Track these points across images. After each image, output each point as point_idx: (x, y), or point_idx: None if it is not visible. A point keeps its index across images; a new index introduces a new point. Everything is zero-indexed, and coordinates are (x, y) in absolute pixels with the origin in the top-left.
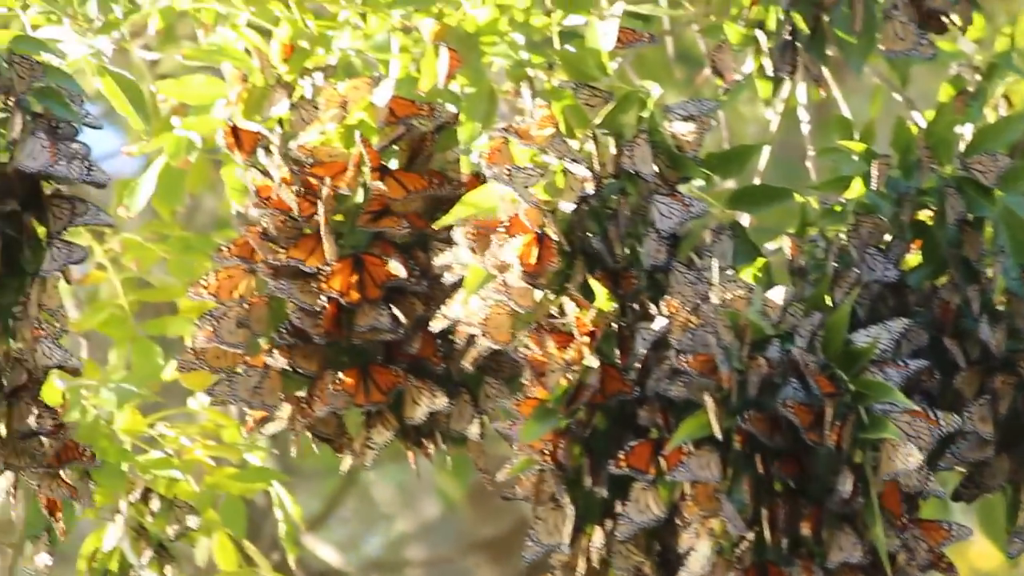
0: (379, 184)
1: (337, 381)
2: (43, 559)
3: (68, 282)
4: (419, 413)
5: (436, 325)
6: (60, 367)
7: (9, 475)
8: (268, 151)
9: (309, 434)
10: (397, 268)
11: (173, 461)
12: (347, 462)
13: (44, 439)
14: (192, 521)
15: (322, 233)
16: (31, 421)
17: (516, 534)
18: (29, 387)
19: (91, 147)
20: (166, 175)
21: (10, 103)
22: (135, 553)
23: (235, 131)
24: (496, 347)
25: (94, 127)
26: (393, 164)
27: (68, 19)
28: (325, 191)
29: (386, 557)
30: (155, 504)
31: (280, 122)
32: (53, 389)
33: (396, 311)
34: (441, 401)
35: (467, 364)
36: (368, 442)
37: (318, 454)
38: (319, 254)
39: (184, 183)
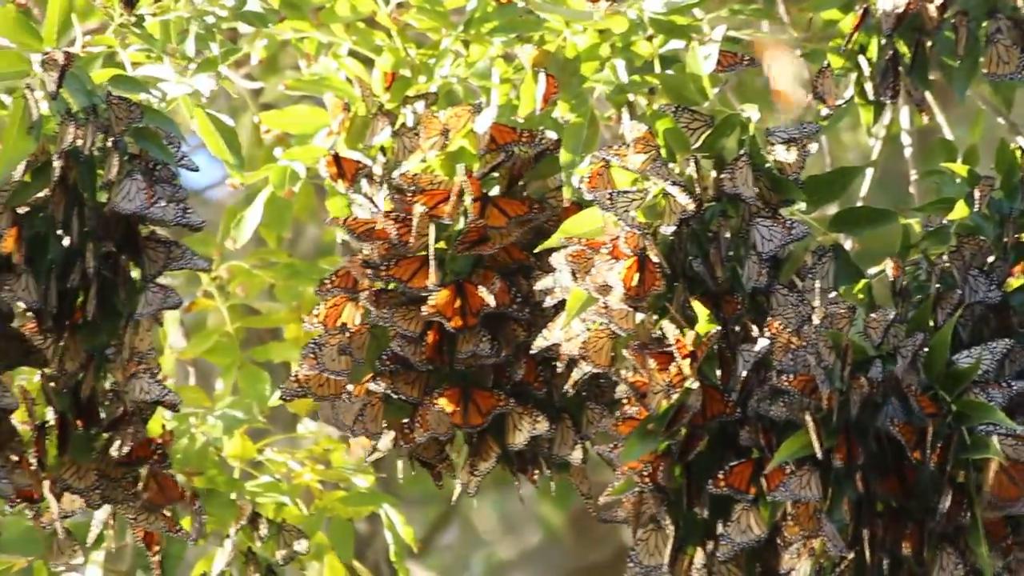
0: (478, 216)
1: (439, 403)
2: None
3: (160, 325)
4: (521, 439)
5: (537, 349)
6: (158, 403)
7: (107, 508)
8: (370, 180)
9: (411, 460)
10: (490, 297)
11: (281, 486)
12: (456, 489)
13: (142, 472)
14: (301, 545)
15: (429, 258)
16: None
17: (617, 561)
18: (128, 420)
19: (186, 190)
20: (272, 204)
21: (108, 144)
22: None
23: (337, 160)
24: (597, 371)
25: (191, 169)
26: (494, 191)
27: (167, 57)
28: (426, 218)
29: None
30: (264, 528)
31: (382, 150)
32: (156, 420)
33: (497, 337)
34: (543, 426)
35: (568, 388)
36: (472, 469)
37: (421, 481)
38: (421, 277)
39: (290, 211)
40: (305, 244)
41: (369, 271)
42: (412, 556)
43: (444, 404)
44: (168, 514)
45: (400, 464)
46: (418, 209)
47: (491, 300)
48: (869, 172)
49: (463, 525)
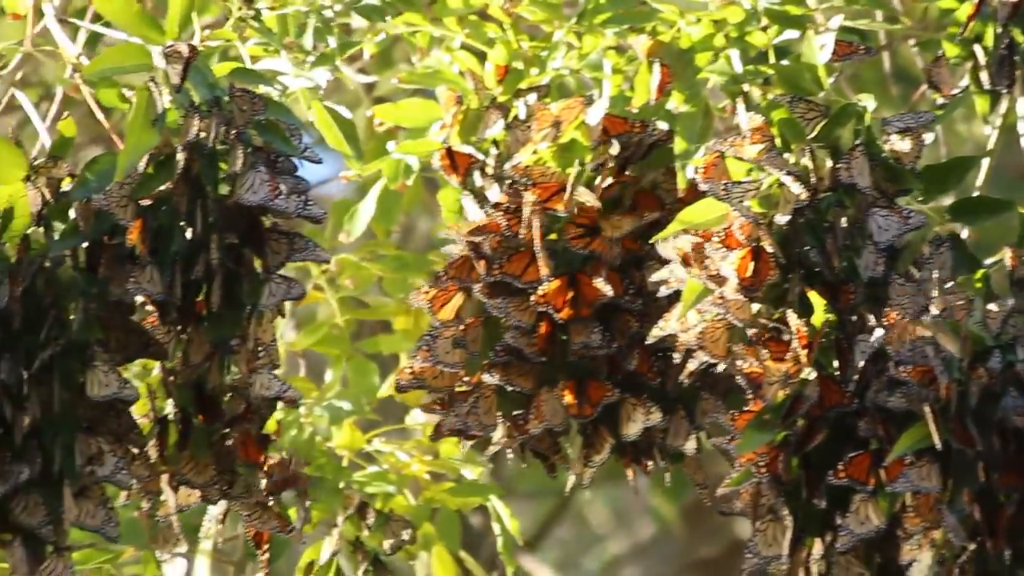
0: (591, 200)
1: (553, 394)
2: None
3: (282, 316)
4: (634, 429)
5: (653, 339)
6: (278, 398)
7: (222, 504)
8: (482, 173)
9: (525, 452)
10: (605, 287)
11: (389, 476)
12: (569, 481)
13: (262, 470)
14: (407, 535)
15: (537, 251)
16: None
17: (730, 554)
18: (249, 418)
19: (309, 182)
20: (384, 197)
21: (231, 136)
22: (351, 567)
23: (450, 154)
24: (713, 361)
25: (313, 161)
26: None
27: (285, 51)
28: (538, 210)
29: None
30: (371, 518)
31: (495, 143)
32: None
33: (610, 328)
34: (656, 417)
35: (684, 379)
36: (586, 461)
37: (532, 475)
38: (533, 270)
39: (399, 205)
40: (417, 239)
41: (483, 261)
42: (525, 550)
43: (557, 394)
44: (280, 513)
45: (510, 456)
46: (528, 199)
47: (608, 290)
48: (985, 162)
49: (576, 519)
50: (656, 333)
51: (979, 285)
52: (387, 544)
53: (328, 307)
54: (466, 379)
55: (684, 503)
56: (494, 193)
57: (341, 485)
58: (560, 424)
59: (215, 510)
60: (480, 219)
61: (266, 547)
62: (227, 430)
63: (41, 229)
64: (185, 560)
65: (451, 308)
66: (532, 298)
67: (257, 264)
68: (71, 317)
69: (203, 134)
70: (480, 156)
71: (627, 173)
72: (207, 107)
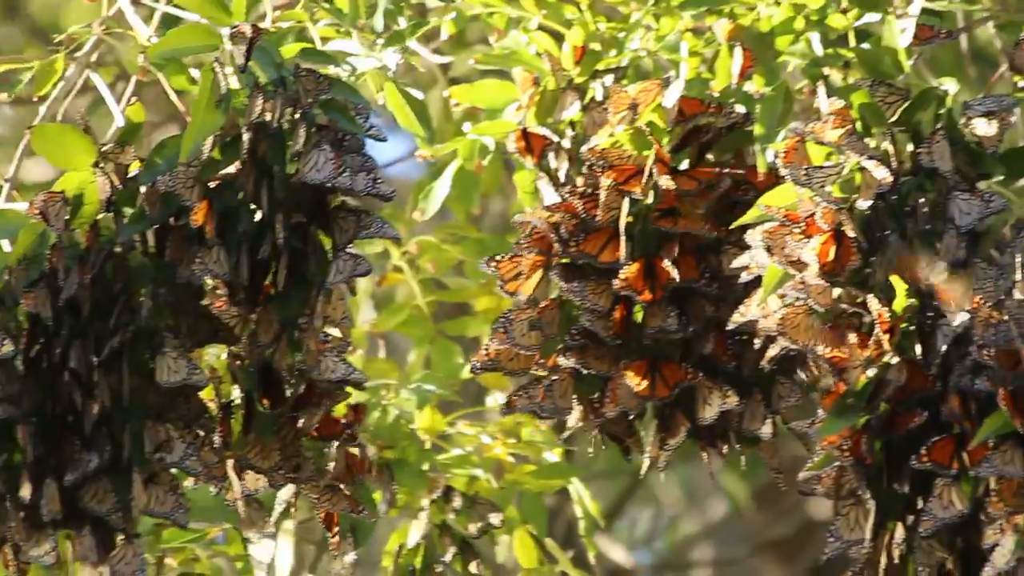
0: (669, 182)
1: (627, 376)
2: (349, 558)
3: (353, 294)
4: (711, 413)
5: (734, 325)
6: (343, 381)
7: (290, 488)
8: (558, 155)
9: (600, 435)
10: (674, 271)
11: (473, 459)
12: (644, 464)
13: (329, 451)
14: (495, 518)
15: (620, 232)
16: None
17: (802, 535)
18: (315, 400)
19: (376, 160)
20: (460, 178)
21: (296, 115)
22: (439, 550)
23: (525, 135)
24: (795, 347)
25: (379, 139)
26: (683, 165)
27: (356, 32)
28: (615, 192)
29: (673, 557)
30: (457, 502)
31: (571, 125)
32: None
33: (686, 311)
34: (733, 400)
35: (766, 364)
36: (662, 444)
37: (606, 454)
38: (610, 250)
39: (479, 186)
40: (490, 219)
41: (559, 242)
42: (597, 529)
43: (632, 377)
44: (350, 494)
45: (586, 438)
46: (605, 183)
47: (675, 274)
48: None
49: (648, 498)
50: (737, 319)
51: None
52: (474, 527)
53: (406, 289)
54: (541, 361)
55: (756, 484)
56: (566, 174)
57: (425, 467)
58: (635, 407)
59: (284, 494)
60: (556, 201)
61: (336, 529)
62: (293, 414)
63: (110, 215)
64: (272, 541)
65: (530, 285)
66: (608, 281)
67: (325, 243)
68: (141, 303)
69: (268, 114)
70: (555, 138)
71: (707, 156)
72: (272, 87)
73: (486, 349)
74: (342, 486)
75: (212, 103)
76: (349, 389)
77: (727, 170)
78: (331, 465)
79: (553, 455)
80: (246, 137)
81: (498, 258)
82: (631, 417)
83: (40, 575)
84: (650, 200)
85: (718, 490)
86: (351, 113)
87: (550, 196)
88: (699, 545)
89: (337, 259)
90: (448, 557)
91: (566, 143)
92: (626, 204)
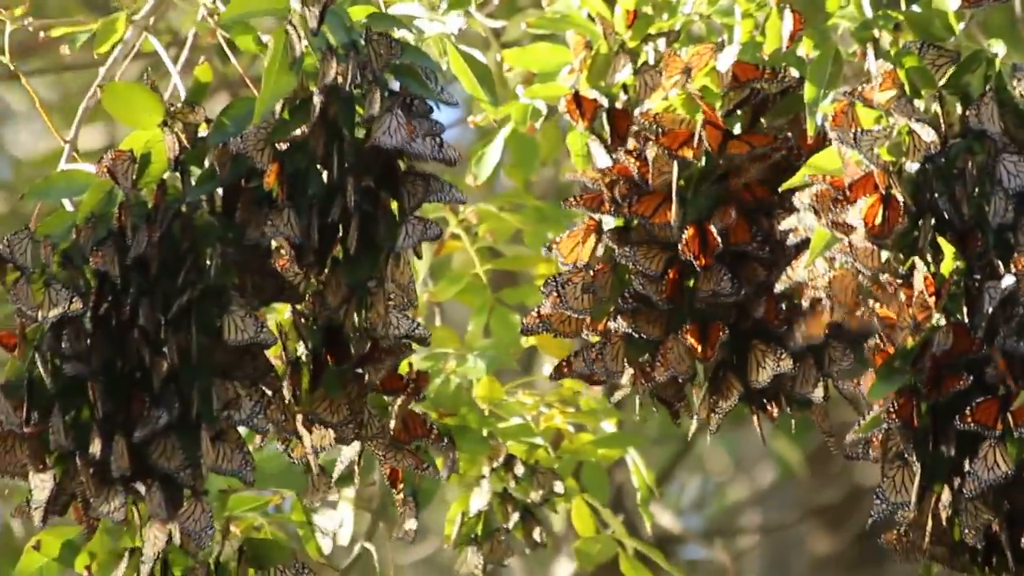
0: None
1: (680, 340)
2: (410, 524)
3: (419, 257)
4: (764, 376)
5: (781, 287)
6: (408, 337)
7: (356, 445)
8: (610, 118)
9: (651, 399)
10: (718, 237)
11: (532, 428)
12: (692, 428)
13: (393, 408)
14: (558, 486)
15: (672, 196)
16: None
17: (851, 500)
18: (379, 355)
19: (443, 125)
20: (517, 144)
21: (368, 80)
22: (500, 518)
23: (576, 99)
24: (843, 311)
25: (450, 104)
26: (736, 129)
27: None
28: (666, 156)
29: (722, 523)
30: (519, 469)
31: (624, 88)
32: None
33: (738, 275)
34: (787, 364)
35: (816, 331)
36: (713, 407)
37: (654, 422)
38: (663, 212)
39: (537, 153)
40: (540, 184)
41: (612, 206)
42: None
43: (684, 341)
44: (415, 452)
45: (634, 404)
46: (654, 148)
47: (719, 240)
48: None
49: (697, 465)
50: (785, 281)
51: None
52: (536, 495)
53: (463, 257)
54: (590, 325)
55: (805, 449)
56: (619, 138)
57: (485, 433)
58: (686, 371)
59: (349, 451)
60: (609, 164)
61: (402, 487)
62: (359, 370)
63: (178, 174)
64: (334, 510)
65: (587, 250)
66: (660, 245)
67: (393, 206)
68: (207, 262)
69: (340, 78)
70: (605, 102)
71: (763, 121)
72: (344, 51)
73: (537, 310)
74: (407, 445)
75: (285, 66)
76: (414, 352)
77: (780, 135)
78: (392, 423)
79: (610, 424)
80: (317, 100)
81: (557, 240)
82: (681, 381)
83: (109, 531)
84: (703, 164)
85: (765, 457)
86: (421, 77)
87: (602, 159)
88: (747, 511)
89: (406, 223)
90: (510, 524)
91: (619, 106)
92: (676, 168)
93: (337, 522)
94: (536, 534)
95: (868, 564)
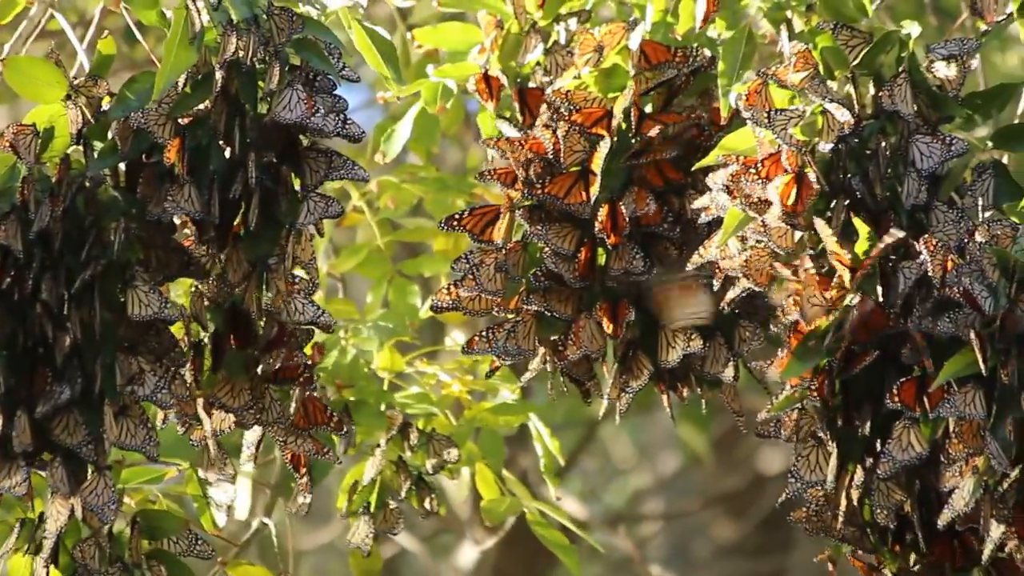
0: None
1: (591, 321)
2: (303, 499)
3: (320, 235)
4: (675, 356)
5: (693, 267)
6: (312, 324)
7: (257, 430)
8: (520, 99)
9: (561, 379)
10: (625, 218)
11: (431, 396)
12: (602, 408)
13: (293, 394)
14: (451, 454)
15: (589, 173)
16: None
17: (754, 488)
18: (284, 341)
19: (346, 101)
20: (420, 120)
21: (269, 54)
22: (394, 487)
23: (486, 78)
24: (756, 289)
25: (351, 80)
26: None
27: None
28: (578, 135)
29: (625, 510)
30: (414, 438)
31: (539, 66)
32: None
33: (649, 254)
34: (697, 344)
35: (726, 306)
36: (624, 387)
37: (558, 406)
38: (576, 193)
39: (438, 126)
40: (447, 168)
41: (524, 186)
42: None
43: (596, 320)
44: (316, 437)
45: (543, 385)
46: (564, 126)
47: (626, 220)
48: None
49: (600, 452)
50: (696, 260)
51: (1022, 211)
52: (431, 464)
53: (366, 231)
54: (502, 303)
55: (708, 437)
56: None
57: (383, 407)
58: (597, 350)
59: (252, 435)
60: (523, 137)
61: (304, 471)
62: (263, 355)
63: (81, 148)
64: (230, 483)
65: (501, 228)
66: (572, 224)
67: (295, 183)
68: (111, 237)
69: (241, 52)
70: (505, 81)
71: (676, 101)
72: (245, 25)
73: (449, 289)
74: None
75: (185, 40)
76: (313, 339)
77: (692, 115)
78: (292, 409)
79: (510, 393)
80: (219, 75)
81: (457, 216)
82: (593, 360)
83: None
84: (616, 142)
85: (669, 444)
86: (323, 52)
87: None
88: (650, 498)
89: (308, 199)
90: (404, 493)
91: (532, 86)
92: (604, 146)
93: (233, 496)
94: (428, 503)
95: (771, 551)
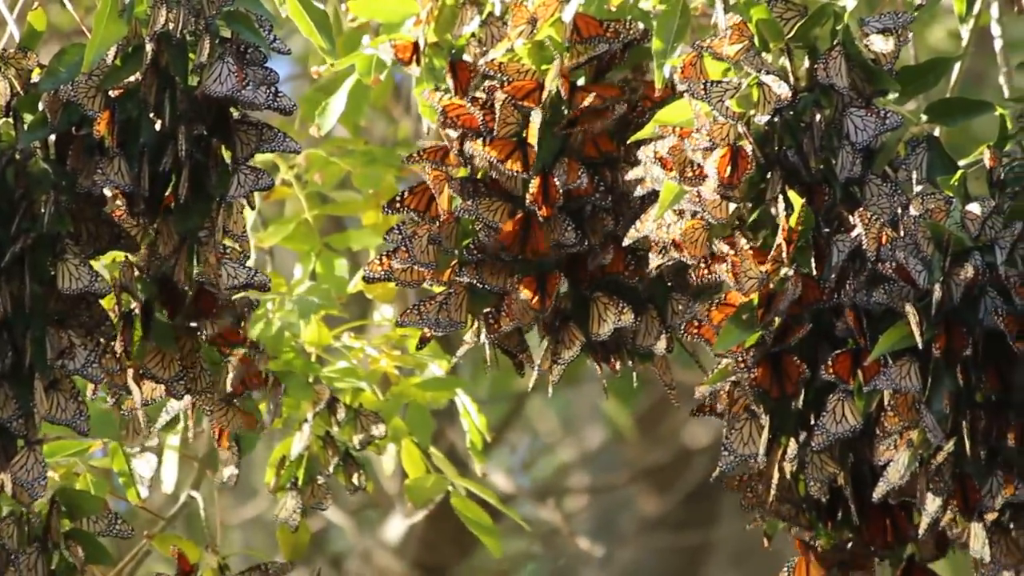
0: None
1: (520, 291)
2: (230, 471)
3: (252, 208)
4: (605, 329)
5: (630, 240)
6: (247, 286)
7: (187, 399)
8: (451, 70)
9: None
10: (559, 189)
11: (358, 371)
12: (532, 379)
13: (230, 361)
14: (378, 429)
15: (522, 145)
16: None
17: (679, 462)
18: (215, 312)
19: (277, 74)
20: (355, 92)
21: (199, 27)
22: (322, 462)
23: (416, 47)
24: (688, 260)
25: (282, 52)
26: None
27: None
28: (510, 107)
29: (551, 483)
30: (341, 413)
31: (474, 38)
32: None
33: (583, 226)
34: (628, 317)
35: (652, 270)
36: (555, 357)
37: (484, 381)
38: (515, 159)
39: (367, 99)
40: (374, 141)
41: (457, 155)
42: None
43: (524, 291)
44: (246, 411)
45: (473, 357)
46: (500, 96)
47: (558, 192)
48: (957, 65)
49: (526, 425)
50: (633, 234)
51: (956, 185)
52: (357, 439)
53: (295, 203)
54: (434, 275)
55: (633, 411)
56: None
57: (310, 380)
58: (529, 322)
59: (177, 405)
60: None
61: (227, 444)
62: (193, 324)
63: (10, 121)
64: (154, 455)
65: (444, 201)
66: (502, 197)
67: (226, 155)
68: (41, 210)
69: (171, 25)
70: (423, 43)
71: (608, 75)
72: None
73: (381, 259)
74: (236, 400)
75: (115, 13)
76: (256, 308)
77: (625, 87)
78: (229, 377)
79: (439, 368)
80: (149, 48)
81: (399, 198)
82: (525, 332)
83: None
84: (549, 114)
85: (595, 418)
86: (254, 25)
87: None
88: (576, 472)
89: (238, 172)
90: (331, 468)
91: (467, 57)
92: (536, 117)
93: (157, 468)
94: (356, 478)
95: (696, 525)
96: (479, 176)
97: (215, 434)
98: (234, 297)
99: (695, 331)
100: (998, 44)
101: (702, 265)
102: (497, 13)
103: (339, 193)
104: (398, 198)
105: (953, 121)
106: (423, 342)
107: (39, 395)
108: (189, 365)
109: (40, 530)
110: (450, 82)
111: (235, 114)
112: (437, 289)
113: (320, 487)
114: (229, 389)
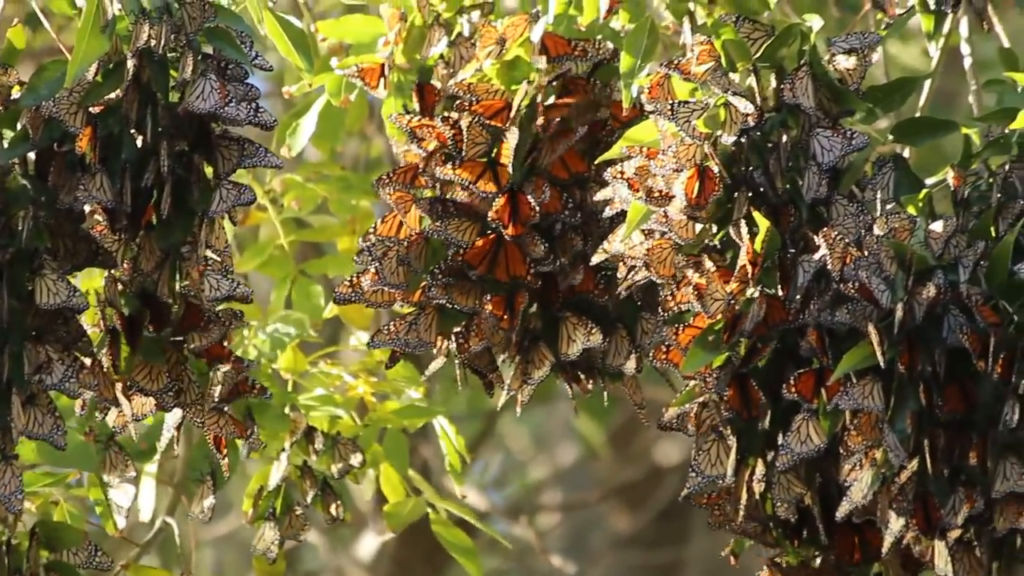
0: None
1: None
2: (208, 502)
3: (234, 223)
4: (575, 349)
5: (598, 260)
6: (230, 298)
7: (177, 412)
8: (418, 92)
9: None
10: (531, 208)
11: (335, 398)
12: (502, 399)
13: (218, 376)
14: (356, 458)
15: (492, 165)
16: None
17: (651, 480)
18: (201, 325)
19: (259, 90)
20: (324, 115)
21: (181, 43)
22: (300, 492)
23: (382, 70)
24: (657, 279)
25: (264, 69)
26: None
27: None
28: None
29: (524, 501)
30: (319, 442)
31: (442, 59)
32: None
33: (553, 245)
34: (597, 338)
35: (622, 291)
36: (525, 377)
37: (457, 399)
38: (486, 180)
39: (342, 123)
40: (346, 160)
41: (427, 177)
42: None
43: (496, 311)
44: (237, 420)
45: (445, 376)
46: (467, 118)
47: (531, 210)
48: (926, 84)
49: (498, 443)
50: (601, 254)
51: (921, 205)
52: (335, 468)
53: (269, 229)
54: (404, 295)
55: (605, 429)
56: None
57: (287, 409)
58: (500, 342)
59: (171, 419)
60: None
61: (227, 452)
62: (178, 337)
63: None
64: (132, 486)
65: (413, 220)
66: (471, 217)
67: (208, 171)
68: (19, 226)
69: (153, 41)
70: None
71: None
72: (157, 13)
73: (351, 280)
74: (227, 408)
75: (97, 29)
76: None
77: (591, 100)
78: (217, 388)
79: (416, 392)
80: (130, 64)
81: (373, 229)
82: (495, 351)
83: None
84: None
85: (567, 435)
86: (235, 41)
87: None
88: (549, 490)
89: (220, 187)
90: (310, 499)
91: (436, 82)
92: (511, 137)
93: (136, 498)
94: (334, 509)
95: (668, 542)
96: (448, 196)
97: (213, 442)
98: (218, 309)
99: (663, 356)
100: (968, 63)
101: (671, 292)
102: (466, 34)
103: (315, 217)
104: (371, 230)
105: (919, 141)
106: (393, 360)
107: (16, 410)
108: (176, 377)
109: (20, 562)
110: (417, 105)
111: (216, 129)
112: (407, 310)
113: (298, 517)
114: (221, 398)
